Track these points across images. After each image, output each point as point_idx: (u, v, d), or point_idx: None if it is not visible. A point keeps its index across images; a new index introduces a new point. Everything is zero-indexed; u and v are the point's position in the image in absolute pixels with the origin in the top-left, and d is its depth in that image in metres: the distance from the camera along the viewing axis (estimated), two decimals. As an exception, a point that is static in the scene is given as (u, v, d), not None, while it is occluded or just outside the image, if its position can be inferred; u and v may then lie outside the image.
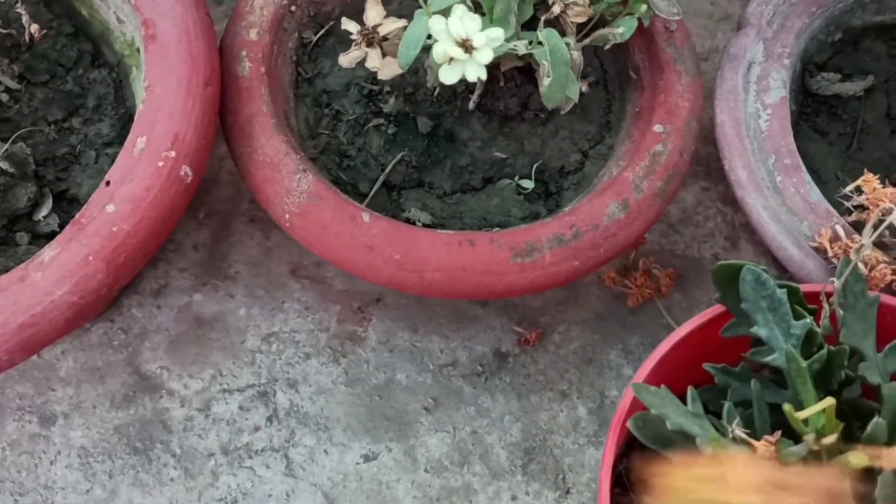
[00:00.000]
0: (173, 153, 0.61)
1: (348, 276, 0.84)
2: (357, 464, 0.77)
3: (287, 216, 0.66)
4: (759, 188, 0.67)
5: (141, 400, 0.79)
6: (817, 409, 0.46)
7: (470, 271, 0.64)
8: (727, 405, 0.53)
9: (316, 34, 0.77)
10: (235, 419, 0.78)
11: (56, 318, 0.58)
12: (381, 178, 0.72)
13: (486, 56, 0.57)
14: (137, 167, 0.61)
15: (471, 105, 0.73)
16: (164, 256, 0.84)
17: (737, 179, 0.68)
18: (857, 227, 0.63)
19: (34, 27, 0.73)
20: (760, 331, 0.53)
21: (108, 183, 0.60)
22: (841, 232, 0.63)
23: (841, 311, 0.54)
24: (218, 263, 0.84)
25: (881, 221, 0.59)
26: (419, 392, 0.79)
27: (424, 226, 0.69)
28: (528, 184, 0.73)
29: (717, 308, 0.58)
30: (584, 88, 0.72)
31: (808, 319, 0.53)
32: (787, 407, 0.45)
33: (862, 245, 0.54)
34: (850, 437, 0.53)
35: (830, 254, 0.62)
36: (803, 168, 0.67)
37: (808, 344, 0.53)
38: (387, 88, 0.74)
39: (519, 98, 0.73)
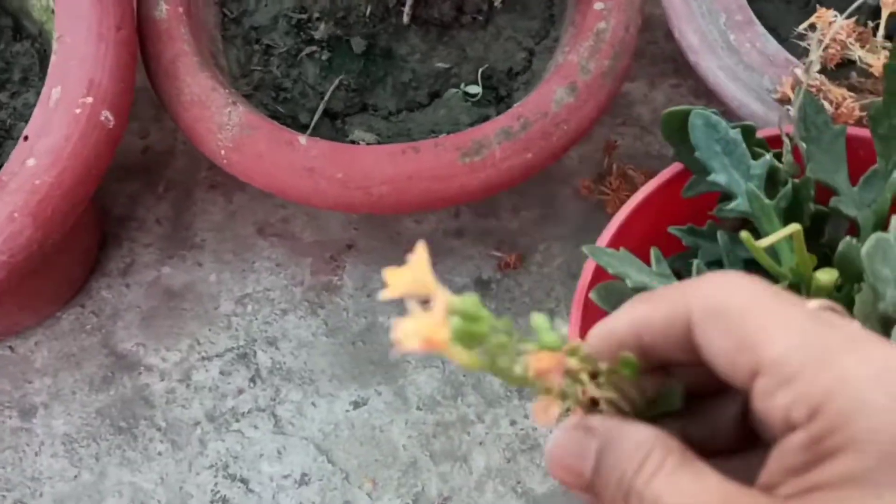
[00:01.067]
0: (90, 99, 0.59)
1: (317, 228, 0.81)
2: (347, 412, 0.73)
3: (223, 152, 0.63)
4: (713, 49, 0.63)
5: (120, 379, 0.76)
6: (782, 235, 0.42)
7: (417, 179, 0.60)
8: (696, 262, 0.49)
9: (239, -24, 0.75)
10: (218, 385, 0.75)
11: (-13, 280, 0.56)
12: (322, 106, 0.69)
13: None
14: (54, 118, 0.58)
15: (405, 18, 0.70)
16: (128, 235, 0.82)
17: (688, 45, 0.64)
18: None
19: (-53, 7, 0.71)
20: (719, 177, 0.49)
21: (26, 138, 0.58)
22: (801, 75, 0.58)
23: (804, 145, 0.50)
24: (183, 234, 0.81)
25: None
26: (402, 331, 0.76)
27: (369, 145, 0.66)
28: (475, 89, 0.69)
29: (676, 167, 0.54)
30: (521, -17, 0.68)
31: (768, 156, 0.49)
32: (744, 234, 0.41)
33: (811, 62, 0.50)
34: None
35: (794, 101, 0.58)
36: (756, 22, 0.63)
37: (772, 183, 0.49)
38: (316, 15, 0.71)
39: (453, 1, 0.69)
